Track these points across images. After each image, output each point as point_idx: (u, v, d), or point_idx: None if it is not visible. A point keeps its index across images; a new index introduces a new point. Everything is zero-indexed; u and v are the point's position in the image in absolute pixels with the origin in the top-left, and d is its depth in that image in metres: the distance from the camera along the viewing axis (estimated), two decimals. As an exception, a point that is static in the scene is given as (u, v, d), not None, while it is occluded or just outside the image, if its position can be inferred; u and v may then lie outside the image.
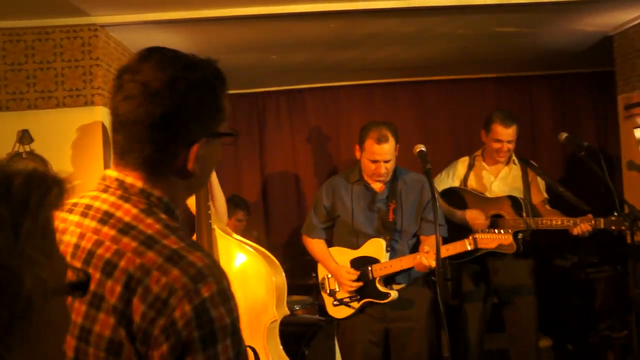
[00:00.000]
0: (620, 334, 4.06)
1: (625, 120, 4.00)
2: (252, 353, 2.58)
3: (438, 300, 2.51)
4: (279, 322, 2.68)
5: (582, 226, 3.15)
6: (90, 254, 1.01)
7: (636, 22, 3.80)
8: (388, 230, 3.06)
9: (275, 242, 4.92)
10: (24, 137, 3.26)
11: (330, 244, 3.22)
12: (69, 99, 3.38)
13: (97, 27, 3.40)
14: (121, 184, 1.05)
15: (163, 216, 1.04)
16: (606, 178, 3.10)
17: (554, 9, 3.55)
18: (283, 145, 5.38)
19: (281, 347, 2.74)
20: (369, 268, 3.03)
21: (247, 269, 2.65)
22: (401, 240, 3.10)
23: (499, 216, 3.44)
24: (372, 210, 3.10)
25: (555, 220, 3.29)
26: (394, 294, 2.99)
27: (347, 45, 4.21)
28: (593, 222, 3.15)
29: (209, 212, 2.65)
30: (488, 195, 3.54)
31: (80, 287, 0.75)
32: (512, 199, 3.46)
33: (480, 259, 3.42)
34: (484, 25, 3.85)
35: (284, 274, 2.73)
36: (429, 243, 2.98)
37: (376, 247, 3.05)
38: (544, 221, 3.32)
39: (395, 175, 3.13)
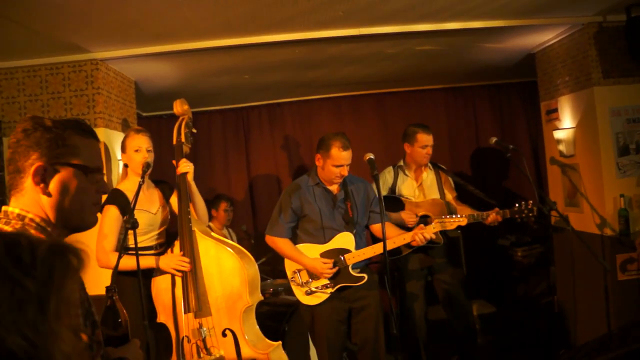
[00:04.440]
0: (547, 299, 4.15)
1: (547, 124, 4.05)
2: (231, 335, 2.63)
3: (386, 281, 2.56)
4: (254, 306, 2.73)
5: (492, 217, 3.21)
6: None
7: (552, 42, 3.86)
8: (350, 225, 3.08)
9: (261, 233, 4.95)
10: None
11: (294, 242, 3.15)
12: (76, 123, 3.41)
13: (97, 62, 3.44)
14: (5, 213, 1.18)
15: (33, 232, 1.14)
16: (527, 175, 3.11)
17: (486, 32, 3.60)
18: (266, 150, 5.41)
19: (257, 327, 2.77)
20: (342, 257, 3.03)
21: (223, 264, 2.67)
22: (358, 232, 3.13)
23: (426, 216, 3.48)
24: (335, 209, 3.11)
25: (471, 215, 3.27)
26: (366, 276, 3.04)
27: (314, 66, 4.25)
28: (501, 212, 3.20)
29: (189, 216, 2.69)
30: (414, 200, 3.55)
31: None
32: (435, 201, 3.49)
33: (419, 250, 3.43)
34: (426, 47, 3.89)
35: (256, 266, 2.79)
36: (388, 226, 3.03)
37: (346, 240, 3.06)
38: (462, 217, 3.27)
39: (345, 179, 3.15)
